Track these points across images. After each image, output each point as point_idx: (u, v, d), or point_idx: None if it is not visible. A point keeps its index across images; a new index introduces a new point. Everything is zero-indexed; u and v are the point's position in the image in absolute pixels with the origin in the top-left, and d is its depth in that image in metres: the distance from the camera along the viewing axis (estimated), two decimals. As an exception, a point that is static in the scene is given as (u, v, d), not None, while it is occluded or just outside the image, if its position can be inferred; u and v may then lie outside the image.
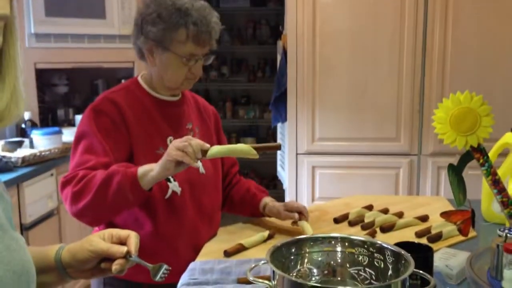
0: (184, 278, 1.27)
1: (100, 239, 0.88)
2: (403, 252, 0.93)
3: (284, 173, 3.38)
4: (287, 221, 1.60)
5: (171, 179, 1.41)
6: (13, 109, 0.71)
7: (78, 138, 1.38)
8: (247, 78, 5.06)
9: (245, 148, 1.32)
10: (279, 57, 3.41)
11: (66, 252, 0.88)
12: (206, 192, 1.51)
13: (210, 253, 1.43)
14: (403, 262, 0.92)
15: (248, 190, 1.65)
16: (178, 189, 1.42)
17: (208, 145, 1.28)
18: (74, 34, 3.12)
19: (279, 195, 3.95)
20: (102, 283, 1.46)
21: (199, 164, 1.48)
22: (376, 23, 2.88)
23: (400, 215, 1.67)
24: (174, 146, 1.25)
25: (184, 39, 1.38)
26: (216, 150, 1.29)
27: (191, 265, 1.34)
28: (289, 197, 3.19)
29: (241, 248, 1.45)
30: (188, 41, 1.38)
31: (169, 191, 1.40)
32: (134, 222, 1.40)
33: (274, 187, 4.88)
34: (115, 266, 0.85)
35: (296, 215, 1.53)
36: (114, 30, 3.23)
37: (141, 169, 1.28)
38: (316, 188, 3.11)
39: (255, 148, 1.31)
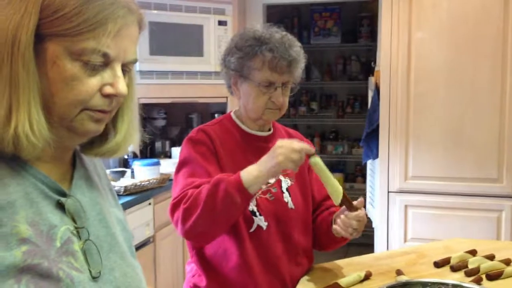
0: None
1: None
2: (522, 304, 0.87)
3: (374, 211, 3.29)
4: (383, 260, 1.55)
5: (257, 213, 1.40)
6: (128, 140, 0.77)
7: (180, 166, 1.43)
8: (336, 114, 5.05)
9: (337, 186, 1.34)
10: (370, 93, 3.38)
11: None
12: (295, 229, 1.48)
13: (306, 290, 1.42)
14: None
15: (327, 208, 1.55)
16: (263, 224, 1.41)
17: (313, 150, 1.31)
18: (174, 71, 3.31)
19: (369, 234, 3.86)
20: None
21: (288, 198, 1.46)
22: (475, 58, 2.78)
23: (508, 262, 1.56)
24: (289, 148, 1.27)
25: (260, 66, 1.40)
26: (318, 160, 1.33)
27: (288, 302, 1.33)
28: (379, 236, 3.09)
29: (337, 287, 1.42)
30: (264, 67, 1.39)
31: (254, 225, 1.40)
32: (222, 254, 1.41)
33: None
34: None
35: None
36: (211, 67, 3.37)
37: (244, 172, 1.29)
38: (408, 228, 3.00)
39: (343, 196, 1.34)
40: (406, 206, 2.99)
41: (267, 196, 1.43)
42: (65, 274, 0.64)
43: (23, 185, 0.65)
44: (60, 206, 0.70)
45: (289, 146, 1.27)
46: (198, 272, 1.46)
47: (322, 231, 1.51)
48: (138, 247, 2.72)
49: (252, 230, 1.40)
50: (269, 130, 1.53)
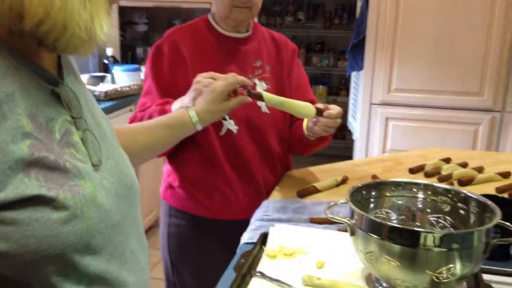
0: (257, 214, 1.31)
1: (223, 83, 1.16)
2: (489, 202, 0.90)
3: (356, 123, 3.32)
4: (360, 167, 1.58)
5: (227, 117, 1.38)
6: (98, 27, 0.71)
7: (144, 79, 1.44)
8: (323, 25, 4.93)
9: (304, 104, 1.27)
10: (359, 3, 3.28)
11: (198, 110, 1.14)
12: (268, 134, 1.46)
13: (283, 193, 1.45)
14: (488, 214, 0.89)
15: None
16: (234, 128, 1.39)
17: (249, 82, 1.22)
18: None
19: (349, 145, 3.91)
20: (168, 214, 1.51)
21: (262, 103, 1.42)
22: (468, -32, 2.69)
23: (480, 169, 1.61)
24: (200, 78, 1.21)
25: None
26: (269, 95, 1.24)
27: (265, 203, 1.37)
28: (359, 148, 3.15)
29: (314, 190, 1.46)
30: None
31: (224, 129, 1.39)
32: (194, 156, 1.42)
33: (343, 137, 4.82)
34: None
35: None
36: (194, -31, 3.22)
37: (175, 105, 1.27)
38: (388, 140, 3.05)
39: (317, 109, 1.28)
40: (387, 119, 3.02)
41: None
42: (71, 165, 0.64)
43: (18, 76, 0.63)
44: (55, 96, 0.68)
45: (204, 81, 1.19)
46: (172, 172, 1.48)
47: (297, 137, 1.49)
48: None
49: (222, 133, 1.39)
50: (247, 31, 1.47)
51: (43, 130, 0.63)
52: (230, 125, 1.40)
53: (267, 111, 1.44)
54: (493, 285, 0.91)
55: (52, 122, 0.65)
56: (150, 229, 3.39)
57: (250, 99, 1.20)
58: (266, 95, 1.24)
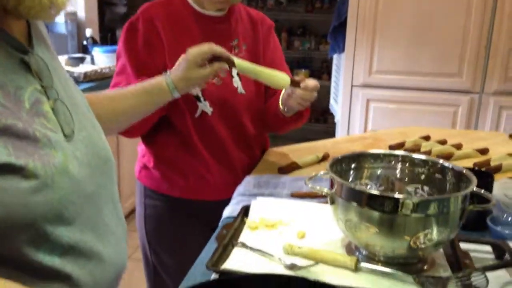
0: (239, 189, 1.31)
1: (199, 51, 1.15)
2: (465, 171, 0.91)
3: (337, 106, 3.34)
4: (342, 144, 1.59)
5: (201, 98, 1.36)
6: None
7: (117, 57, 1.39)
8: (304, 8, 4.93)
9: (277, 73, 1.24)
10: (341, -15, 3.28)
11: (175, 77, 1.15)
12: (244, 115, 1.44)
13: (265, 170, 1.46)
14: (463, 183, 0.91)
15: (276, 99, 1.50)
16: (208, 109, 1.36)
17: (225, 53, 1.19)
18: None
19: (330, 129, 3.93)
20: (143, 195, 1.50)
21: (238, 83, 1.41)
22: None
23: (458, 146, 1.63)
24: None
25: None
26: (240, 62, 1.21)
27: (246, 179, 1.37)
28: (340, 130, 3.17)
29: (295, 167, 1.47)
30: None
31: (199, 111, 1.36)
32: (169, 138, 1.40)
33: (325, 121, 4.85)
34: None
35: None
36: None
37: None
38: (369, 122, 3.08)
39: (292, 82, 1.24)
40: (368, 100, 3.04)
41: (214, 80, 1.37)
42: (41, 134, 0.64)
43: None
44: (24, 65, 0.66)
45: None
46: (146, 153, 1.46)
47: (272, 112, 1.46)
48: (101, 135, 2.71)
49: (197, 115, 1.36)
50: (224, 9, 1.42)
51: (11, 99, 0.62)
52: (205, 107, 1.36)
53: (243, 92, 1.42)
54: (470, 253, 0.93)
55: (21, 91, 0.64)
56: (132, 213, 3.38)
57: (226, 66, 1.19)
58: (237, 61, 1.21)
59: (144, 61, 1.33)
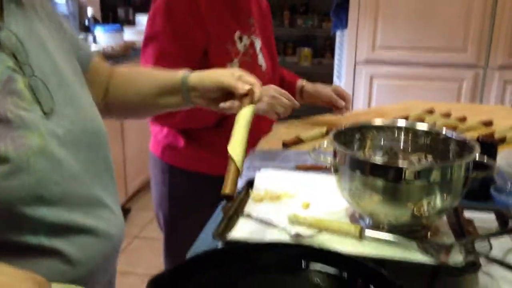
0: (244, 164, 1.32)
1: (229, 74, 0.93)
2: (467, 140, 0.92)
3: (340, 84, 3.33)
4: (345, 119, 1.59)
5: None
6: None
7: (150, 39, 1.29)
8: (307, -15, 4.88)
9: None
10: (343, -40, 3.24)
11: (195, 76, 0.94)
12: None
13: (269, 144, 1.46)
14: (466, 152, 0.91)
15: (283, 80, 1.59)
16: None
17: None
18: None
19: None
20: (167, 174, 1.49)
21: (262, 61, 1.43)
22: None
23: (462, 119, 1.63)
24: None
25: None
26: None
27: (251, 153, 1.38)
28: (344, 107, 3.16)
29: (298, 141, 1.47)
30: None
31: None
32: (201, 117, 1.37)
33: (329, 99, 4.83)
34: (228, 103, 0.92)
35: (342, 103, 1.50)
36: None
37: None
38: (373, 100, 3.07)
39: None
40: (371, 77, 3.03)
41: (247, 58, 1.37)
42: (13, 114, 0.61)
43: None
44: None
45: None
46: (171, 132, 1.44)
47: None
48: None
49: None
50: None
51: None
52: None
53: (265, 69, 1.45)
54: (473, 222, 0.94)
55: None
56: (139, 192, 3.41)
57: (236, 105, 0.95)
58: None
59: (187, 43, 1.27)
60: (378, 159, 0.99)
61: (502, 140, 1.42)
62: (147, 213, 3.15)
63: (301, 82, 1.61)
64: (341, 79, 3.27)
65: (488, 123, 1.59)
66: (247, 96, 0.92)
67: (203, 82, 0.93)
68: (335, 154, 0.91)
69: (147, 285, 0.65)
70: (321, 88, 1.56)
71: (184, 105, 0.98)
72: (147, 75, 1.02)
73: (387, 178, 0.81)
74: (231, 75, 0.92)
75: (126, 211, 3.11)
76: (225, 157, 1.46)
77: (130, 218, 3.10)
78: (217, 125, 1.41)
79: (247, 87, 0.90)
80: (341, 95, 1.52)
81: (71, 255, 0.67)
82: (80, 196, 0.69)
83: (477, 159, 0.86)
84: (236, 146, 0.87)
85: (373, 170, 0.83)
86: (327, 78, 4.26)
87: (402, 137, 1.02)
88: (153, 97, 0.97)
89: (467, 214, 0.97)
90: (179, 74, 0.96)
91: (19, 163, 0.60)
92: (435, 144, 0.98)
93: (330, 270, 0.72)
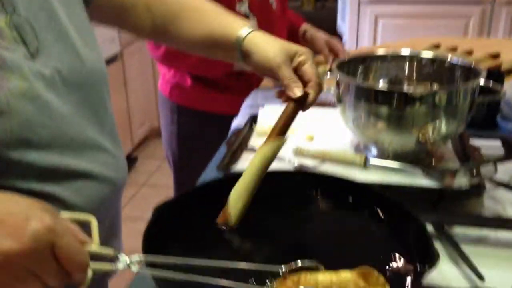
0: (247, 102, 1.31)
1: (286, 57, 0.76)
2: (473, 65, 0.90)
3: (345, 26, 3.26)
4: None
5: (250, 15, 1.34)
6: None
7: None
8: None
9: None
10: None
11: (249, 44, 0.79)
12: (280, 33, 1.40)
13: (270, 83, 1.44)
14: (472, 77, 0.90)
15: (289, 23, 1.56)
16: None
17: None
18: None
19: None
20: (176, 113, 1.49)
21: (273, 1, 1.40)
22: None
23: (469, 52, 1.60)
24: None
25: None
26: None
27: (254, 92, 1.37)
28: (348, 49, 3.11)
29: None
30: None
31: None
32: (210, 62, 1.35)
33: (333, 43, 4.75)
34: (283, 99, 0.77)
35: (330, 59, 1.45)
36: None
37: None
38: (378, 40, 3.00)
39: None
40: (376, 17, 2.96)
41: None
42: None
43: None
44: None
45: None
46: (179, 71, 1.44)
47: None
48: (106, 64, 2.68)
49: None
50: None
51: None
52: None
53: (275, 8, 1.42)
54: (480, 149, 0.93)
55: None
56: (145, 141, 3.42)
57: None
58: None
59: None
60: (382, 85, 0.97)
61: (510, 71, 1.40)
62: (153, 161, 3.17)
63: (304, 27, 1.57)
64: (345, 20, 3.20)
65: (496, 56, 1.56)
66: (296, 101, 0.74)
67: (253, 55, 0.78)
68: (338, 85, 0.89)
69: (153, 211, 0.65)
70: (318, 37, 1.51)
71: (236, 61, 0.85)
72: (206, 18, 0.87)
73: (391, 105, 0.80)
74: (287, 59, 0.75)
75: (133, 159, 3.13)
76: (231, 96, 1.46)
77: (137, 166, 3.13)
78: (228, 68, 1.38)
79: (299, 93, 0.74)
80: (334, 49, 1.47)
81: (65, 199, 0.66)
82: (72, 139, 0.67)
83: (482, 84, 0.85)
84: (238, 198, 0.70)
85: (377, 97, 0.82)
86: (331, 22, 4.17)
87: (407, 65, 1.00)
88: (205, 48, 0.88)
89: (474, 142, 0.96)
90: (236, 32, 0.81)
91: (0, 106, 0.57)
92: (440, 72, 0.97)
93: (335, 194, 0.73)
